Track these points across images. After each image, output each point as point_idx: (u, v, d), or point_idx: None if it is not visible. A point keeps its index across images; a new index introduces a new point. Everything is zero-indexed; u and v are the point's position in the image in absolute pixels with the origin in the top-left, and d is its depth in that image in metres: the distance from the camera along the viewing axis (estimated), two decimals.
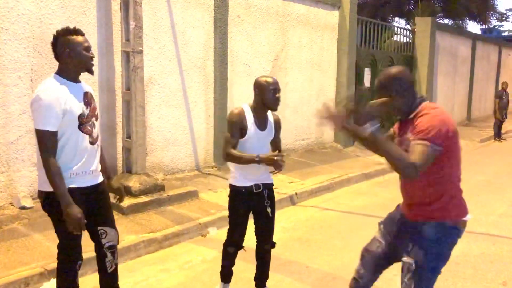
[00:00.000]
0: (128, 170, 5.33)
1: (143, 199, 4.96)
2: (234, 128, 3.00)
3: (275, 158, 2.85)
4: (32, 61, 4.79)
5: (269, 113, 3.14)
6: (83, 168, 2.58)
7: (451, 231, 2.41)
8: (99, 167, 2.72)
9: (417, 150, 2.26)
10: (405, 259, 2.44)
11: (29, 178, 4.87)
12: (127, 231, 4.36)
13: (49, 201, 2.54)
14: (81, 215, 2.45)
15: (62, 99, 2.44)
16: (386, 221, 2.69)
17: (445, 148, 2.29)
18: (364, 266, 2.71)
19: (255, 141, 3.03)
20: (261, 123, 3.08)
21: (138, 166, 5.29)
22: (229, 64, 7.02)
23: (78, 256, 2.67)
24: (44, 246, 3.90)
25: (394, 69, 2.50)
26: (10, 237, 4.01)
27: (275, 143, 3.24)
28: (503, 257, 4.25)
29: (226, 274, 3.32)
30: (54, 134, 2.44)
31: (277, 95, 3.01)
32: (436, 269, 2.42)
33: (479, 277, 3.79)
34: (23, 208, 4.60)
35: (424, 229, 2.39)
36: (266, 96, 2.99)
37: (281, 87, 7.74)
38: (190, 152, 6.66)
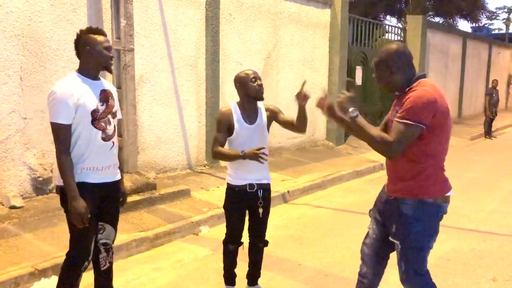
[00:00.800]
0: (120, 169, 5.29)
1: (134, 198, 4.94)
2: (221, 127, 3.04)
3: (258, 152, 2.87)
4: (21, 59, 4.75)
5: (261, 104, 3.13)
6: (94, 163, 2.61)
7: (432, 208, 2.42)
8: (114, 165, 2.74)
9: (396, 128, 2.31)
10: (391, 239, 2.49)
11: (19, 178, 4.83)
12: (118, 230, 4.28)
13: (64, 196, 2.58)
14: (85, 209, 2.50)
15: (76, 94, 2.51)
16: (375, 204, 2.72)
17: (431, 126, 2.30)
18: (365, 263, 2.72)
19: (245, 136, 3.04)
20: (250, 117, 3.07)
21: (130, 165, 5.27)
22: (221, 62, 7.01)
23: (87, 257, 2.67)
24: (35, 245, 3.87)
25: (394, 45, 2.52)
26: (0, 237, 3.98)
27: (287, 119, 3.16)
28: (493, 253, 4.29)
29: (230, 277, 3.29)
30: (67, 127, 2.51)
31: (258, 83, 3.02)
32: (423, 247, 2.44)
33: (469, 273, 3.82)
34: (13, 207, 4.56)
35: (402, 207, 2.42)
36: (248, 87, 3.01)
37: (273, 85, 7.71)
38: (182, 151, 6.65)
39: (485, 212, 5.60)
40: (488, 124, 12.70)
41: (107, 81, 2.76)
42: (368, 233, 2.73)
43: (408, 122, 2.28)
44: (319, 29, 9.11)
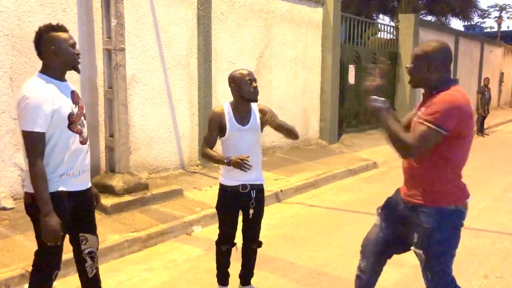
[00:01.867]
0: (112, 169, 5.28)
1: (126, 198, 4.91)
2: (212, 126, 3.00)
3: (241, 162, 2.83)
4: (11, 59, 4.71)
5: (254, 105, 3.08)
6: (74, 169, 2.50)
7: (452, 215, 2.37)
8: (89, 169, 2.63)
9: (418, 130, 2.26)
10: (413, 249, 2.45)
11: (9, 179, 4.79)
12: (110, 230, 4.32)
13: (36, 205, 2.41)
14: (59, 226, 2.36)
15: (50, 99, 2.35)
16: (386, 206, 2.64)
17: (453, 133, 2.24)
18: (365, 258, 2.67)
19: (237, 137, 3.00)
20: (243, 118, 3.02)
21: (122, 165, 5.24)
22: (213, 61, 6.99)
23: (57, 265, 2.57)
24: (25, 247, 3.83)
25: (439, 42, 2.41)
26: None
27: (278, 123, 3.03)
28: (485, 250, 4.31)
29: (222, 277, 3.26)
30: (42, 136, 2.35)
31: (254, 85, 2.96)
32: (446, 254, 2.40)
33: (461, 271, 3.83)
34: (3, 209, 4.53)
35: (422, 217, 2.37)
36: (243, 89, 2.95)
37: (266, 84, 7.71)
38: (175, 151, 6.62)
39: (477, 209, 5.62)
40: (480, 122, 12.76)
41: (69, 82, 2.59)
42: (373, 229, 2.67)
43: (431, 126, 2.22)
44: (312, 28, 9.11)
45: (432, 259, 2.38)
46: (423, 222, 2.37)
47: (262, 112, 3.06)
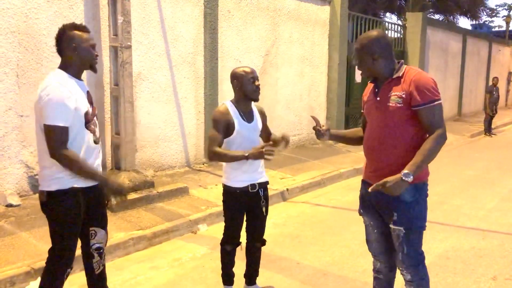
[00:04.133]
0: (117, 167, 5.27)
1: (132, 196, 4.90)
2: (219, 126, 2.93)
3: (264, 150, 2.81)
4: (18, 56, 4.70)
5: (252, 104, 3.08)
6: None
7: (424, 189, 2.51)
8: (101, 168, 2.67)
9: (432, 113, 2.37)
10: (392, 226, 2.52)
11: (15, 176, 4.79)
12: (115, 228, 4.31)
13: (52, 202, 2.46)
14: (121, 183, 2.55)
15: (73, 95, 2.41)
16: (361, 204, 2.74)
17: None
18: (378, 259, 2.75)
19: (246, 134, 2.97)
20: (247, 116, 3.02)
21: (127, 163, 5.23)
22: (220, 59, 6.96)
23: (69, 263, 2.59)
24: (31, 244, 3.83)
25: (374, 32, 2.56)
26: None
27: (265, 133, 3.17)
28: (493, 251, 4.26)
29: (227, 276, 3.25)
30: (66, 130, 2.37)
31: (256, 84, 2.94)
32: (422, 227, 2.53)
33: (469, 272, 3.79)
34: (9, 206, 4.53)
35: (402, 194, 2.42)
36: (246, 87, 2.93)
37: (272, 82, 7.66)
38: (181, 149, 6.61)
39: (485, 210, 5.57)
40: (488, 122, 12.67)
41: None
42: (368, 230, 2.73)
43: (438, 102, 2.38)
44: (319, 26, 9.06)
45: (411, 233, 2.49)
46: (402, 199, 2.44)
47: (262, 114, 3.14)
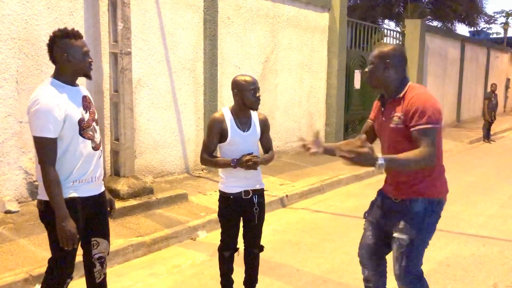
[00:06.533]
0: (116, 173, 5.26)
1: (131, 202, 4.89)
2: (213, 133, 2.97)
3: (247, 158, 2.86)
4: (17, 62, 4.71)
5: (254, 112, 3.08)
6: (86, 175, 2.47)
7: (437, 206, 2.50)
8: (101, 175, 2.62)
9: (424, 136, 2.31)
10: (397, 235, 2.50)
11: (14, 182, 4.78)
12: (115, 235, 4.29)
13: (49, 212, 2.40)
14: (75, 230, 2.35)
15: (62, 105, 2.33)
16: (370, 209, 2.74)
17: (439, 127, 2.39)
18: (365, 267, 2.76)
19: (240, 142, 2.97)
20: (244, 124, 3.01)
21: (127, 169, 5.22)
22: (219, 66, 6.98)
23: (70, 273, 2.55)
24: (30, 251, 3.82)
25: (392, 45, 2.59)
26: None
27: (265, 144, 3.17)
28: (493, 258, 4.25)
29: (227, 283, 3.24)
30: (53, 142, 2.32)
31: (257, 95, 2.95)
32: (426, 242, 2.52)
33: (470, 279, 3.78)
34: (8, 212, 4.52)
35: (413, 205, 2.46)
36: (246, 97, 2.93)
37: (271, 88, 7.67)
38: (180, 155, 6.60)
39: (484, 216, 5.56)
40: (487, 128, 12.67)
41: (83, 87, 2.57)
42: (364, 235, 2.75)
43: (433, 126, 2.32)
44: (318, 33, 9.10)
45: (413, 245, 2.47)
46: (414, 210, 2.46)
47: (262, 123, 3.11)
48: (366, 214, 2.75)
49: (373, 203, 2.74)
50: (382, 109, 2.57)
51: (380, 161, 2.18)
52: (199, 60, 6.70)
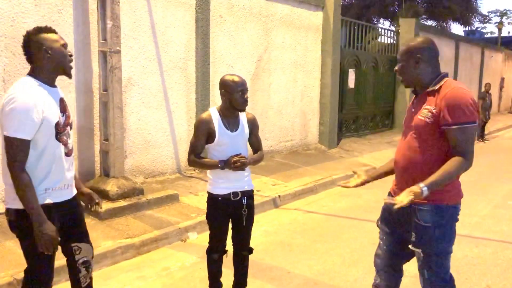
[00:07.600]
0: (106, 174, 5.18)
1: (121, 203, 4.82)
2: (200, 134, 2.92)
3: (235, 159, 2.82)
4: (4, 61, 4.62)
5: (242, 113, 3.03)
6: (60, 182, 2.37)
7: (449, 212, 2.35)
8: (73, 180, 2.52)
9: (461, 136, 2.21)
10: (411, 247, 2.40)
11: (0, 182, 4.69)
12: (103, 236, 4.22)
13: (20, 221, 2.28)
14: (56, 233, 2.25)
15: (40, 105, 2.19)
16: (382, 215, 2.63)
17: None
18: (378, 275, 2.65)
19: (228, 143, 2.92)
20: (232, 124, 2.96)
21: (116, 169, 5.14)
22: (211, 64, 6.91)
23: (48, 284, 2.44)
24: (15, 253, 3.73)
25: (423, 38, 2.45)
26: None
27: (254, 144, 3.12)
28: (486, 259, 4.21)
29: (215, 286, 3.19)
30: (26, 144, 2.18)
31: (245, 96, 2.90)
32: (445, 251, 2.37)
33: (463, 281, 3.74)
34: None
35: (420, 214, 2.33)
36: (234, 97, 2.88)
37: (265, 87, 7.59)
38: (172, 155, 6.53)
39: (478, 217, 5.53)
40: (481, 128, 12.68)
41: (59, 88, 2.43)
42: (379, 243, 2.65)
43: (470, 124, 2.21)
44: (311, 32, 9.04)
45: (430, 257, 2.35)
46: (421, 220, 2.33)
47: (250, 122, 3.05)
48: (379, 222, 2.64)
49: (383, 210, 2.62)
50: (415, 101, 2.44)
51: (425, 192, 2.17)
52: (191, 59, 6.63)
